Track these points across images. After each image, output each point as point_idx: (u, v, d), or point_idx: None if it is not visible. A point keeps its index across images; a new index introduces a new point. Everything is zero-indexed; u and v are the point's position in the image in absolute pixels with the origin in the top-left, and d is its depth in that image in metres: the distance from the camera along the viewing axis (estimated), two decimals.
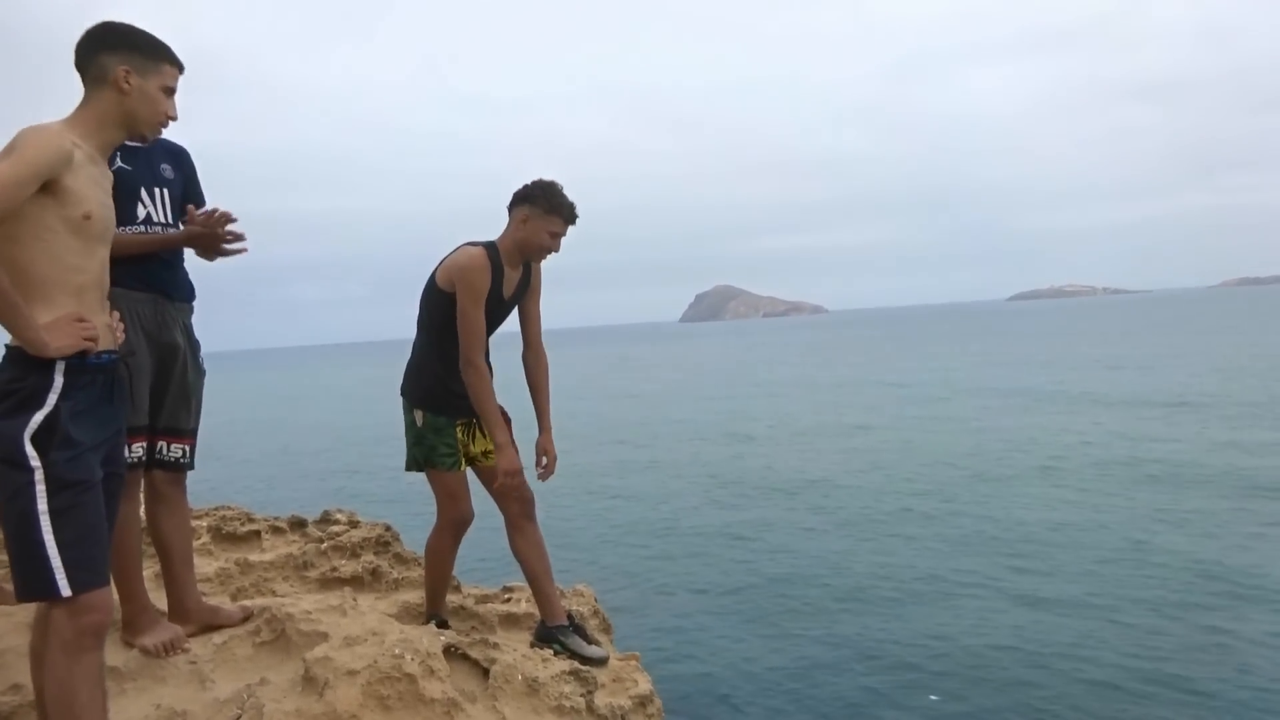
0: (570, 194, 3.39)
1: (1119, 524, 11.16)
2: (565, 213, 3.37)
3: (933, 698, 6.41)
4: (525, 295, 3.56)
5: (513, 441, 3.51)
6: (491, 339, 3.54)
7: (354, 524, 4.63)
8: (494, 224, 3.51)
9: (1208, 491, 12.43)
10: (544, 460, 3.59)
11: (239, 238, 2.96)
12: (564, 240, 3.46)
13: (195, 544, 3.83)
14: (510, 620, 3.94)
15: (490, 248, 3.39)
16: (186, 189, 3.08)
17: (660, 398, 34.93)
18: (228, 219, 2.91)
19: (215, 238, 2.93)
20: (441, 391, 3.40)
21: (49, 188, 2.14)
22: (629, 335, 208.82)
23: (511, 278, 3.46)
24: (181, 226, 2.95)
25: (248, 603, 3.39)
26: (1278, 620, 7.69)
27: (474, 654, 3.03)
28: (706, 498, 14.74)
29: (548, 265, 3.62)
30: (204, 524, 4.49)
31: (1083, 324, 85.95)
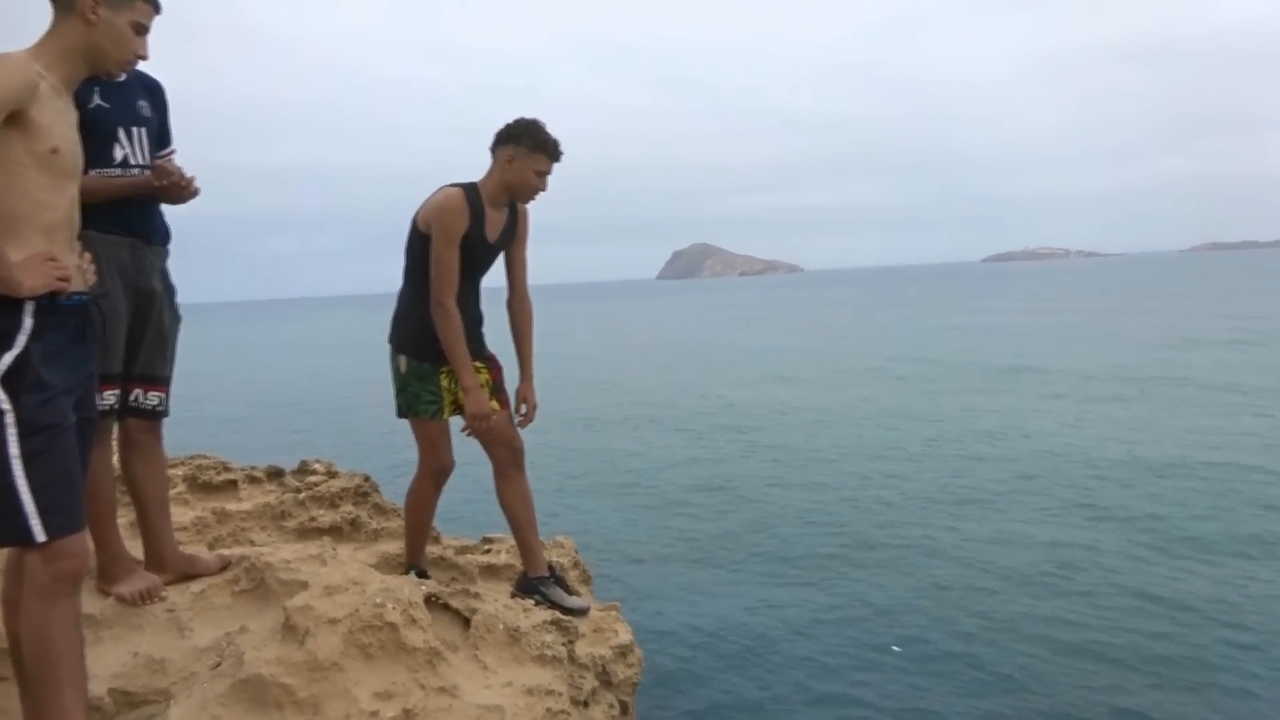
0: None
1: (1080, 481, 11.34)
2: (551, 150, 3.33)
3: (895, 649, 6.56)
4: (511, 241, 3.51)
5: (503, 387, 3.50)
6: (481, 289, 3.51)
7: (332, 474, 4.59)
8: (471, 175, 3.45)
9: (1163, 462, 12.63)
10: (523, 408, 3.57)
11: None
12: (540, 199, 3.45)
13: (171, 493, 3.78)
14: (490, 571, 3.95)
15: (470, 189, 3.34)
16: (160, 126, 2.99)
17: (639, 353, 34.95)
18: (191, 184, 2.86)
19: (181, 190, 2.86)
20: (425, 337, 3.36)
21: (14, 120, 2.06)
22: (606, 292, 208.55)
23: (495, 219, 3.41)
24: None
25: (225, 552, 3.36)
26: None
27: (455, 604, 3.03)
28: (686, 451, 14.80)
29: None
30: (179, 473, 4.44)
31: (1050, 286, 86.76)
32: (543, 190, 3.41)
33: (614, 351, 36.30)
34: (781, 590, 7.92)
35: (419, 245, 3.34)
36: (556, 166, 3.39)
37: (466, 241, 3.30)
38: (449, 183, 3.38)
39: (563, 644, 3.08)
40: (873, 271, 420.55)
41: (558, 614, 3.27)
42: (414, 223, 3.36)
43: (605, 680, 3.33)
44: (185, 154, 3.11)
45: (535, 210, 3.52)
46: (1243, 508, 9.76)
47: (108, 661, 2.68)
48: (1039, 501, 10.56)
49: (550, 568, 3.62)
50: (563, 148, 3.35)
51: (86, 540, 2.26)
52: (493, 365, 3.54)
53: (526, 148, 3.30)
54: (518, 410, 3.57)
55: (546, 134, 3.32)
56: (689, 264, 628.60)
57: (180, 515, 3.88)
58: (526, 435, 3.60)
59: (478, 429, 3.37)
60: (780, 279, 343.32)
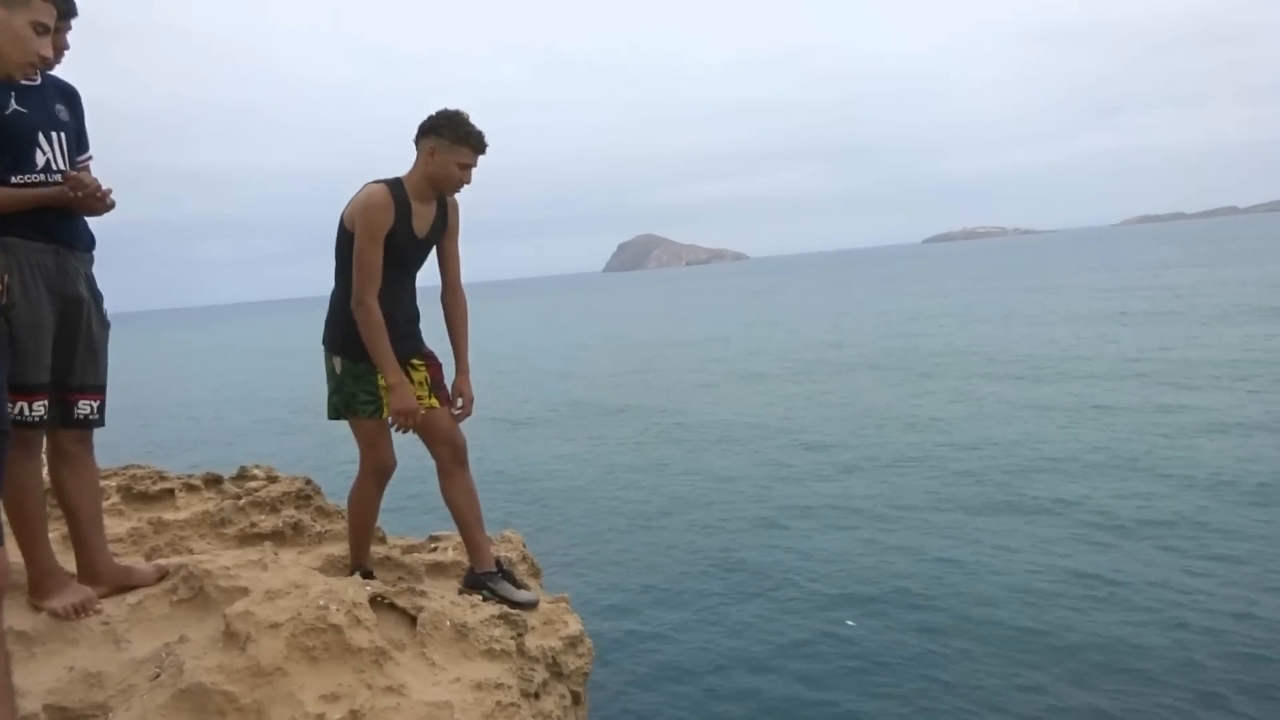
0: (480, 125, 3.31)
1: (1018, 463, 11.62)
2: (474, 141, 3.28)
3: (849, 623, 6.67)
4: (442, 235, 3.47)
5: (442, 384, 3.47)
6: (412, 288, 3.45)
7: (272, 479, 4.51)
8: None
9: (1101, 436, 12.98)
10: (460, 402, 3.54)
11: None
12: (486, 196, 3.39)
13: (104, 504, 3.69)
14: (438, 569, 3.92)
15: (394, 184, 3.29)
16: (78, 130, 2.92)
17: (585, 349, 34.89)
18: (106, 196, 2.79)
19: (96, 202, 2.79)
20: (360, 336, 3.31)
21: None
22: (553, 287, 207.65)
23: (423, 214, 3.36)
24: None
25: (163, 561, 3.29)
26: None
27: (401, 602, 3.00)
28: (630, 443, 14.87)
29: (468, 218, 3.54)
30: (113, 484, 4.33)
31: (993, 265, 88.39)
32: (467, 183, 3.36)
33: (560, 347, 36.19)
34: (729, 574, 8.01)
35: (347, 244, 3.28)
36: (501, 164, 3.35)
37: (394, 237, 3.25)
38: (374, 179, 3.34)
39: (511, 637, 3.07)
40: (817, 256, 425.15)
41: (506, 608, 3.26)
42: (341, 221, 3.30)
43: (556, 671, 3.33)
44: (113, 159, 3.04)
45: (479, 206, 3.49)
46: (1173, 482, 10.10)
47: (42, 677, 2.61)
48: (978, 482, 10.80)
49: (498, 562, 3.60)
50: (488, 139, 3.31)
51: (6, 554, 2.19)
52: (431, 362, 3.51)
53: (448, 140, 3.24)
54: (453, 405, 3.54)
55: (469, 125, 3.26)
56: (635, 255, 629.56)
57: (115, 526, 3.78)
58: (471, 431, 3.57)
59: (405, 425, 3.34)
60: (726, 267, 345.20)
